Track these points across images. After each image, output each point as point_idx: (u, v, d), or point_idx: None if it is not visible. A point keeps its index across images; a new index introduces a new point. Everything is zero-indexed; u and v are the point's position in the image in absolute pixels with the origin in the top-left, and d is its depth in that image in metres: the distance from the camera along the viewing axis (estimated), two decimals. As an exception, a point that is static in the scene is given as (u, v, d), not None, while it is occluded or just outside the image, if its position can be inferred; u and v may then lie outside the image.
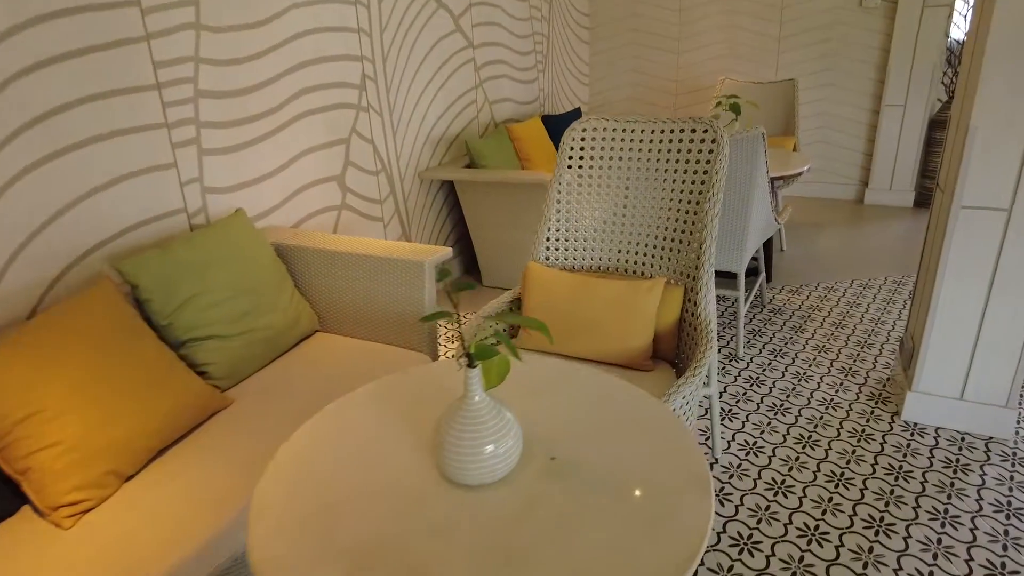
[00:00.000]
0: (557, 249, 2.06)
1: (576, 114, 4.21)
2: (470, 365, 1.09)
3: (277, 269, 2.08)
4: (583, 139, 2.03)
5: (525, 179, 3.00)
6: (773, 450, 2.14)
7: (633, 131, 1.98)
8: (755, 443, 2.18)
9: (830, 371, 2.57)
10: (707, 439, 2.22)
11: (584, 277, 1.89)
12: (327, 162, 2.66)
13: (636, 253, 1.98)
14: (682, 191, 1.90)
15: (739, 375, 2.58)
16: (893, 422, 2.24)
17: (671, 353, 1.88)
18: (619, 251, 2.01)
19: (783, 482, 2.00)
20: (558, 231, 2.05)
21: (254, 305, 1.96)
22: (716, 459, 2.12)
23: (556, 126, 4.05)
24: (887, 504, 1.89)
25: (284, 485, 1.16)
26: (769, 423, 2.28)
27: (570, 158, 2.05)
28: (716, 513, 1.90)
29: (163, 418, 1.61)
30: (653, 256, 1.95)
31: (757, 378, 2.55)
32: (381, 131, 2.93)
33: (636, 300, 1.81)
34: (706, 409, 2.37)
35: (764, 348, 2.77)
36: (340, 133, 2.70)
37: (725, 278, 3.46)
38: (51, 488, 1.42)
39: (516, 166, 3.55)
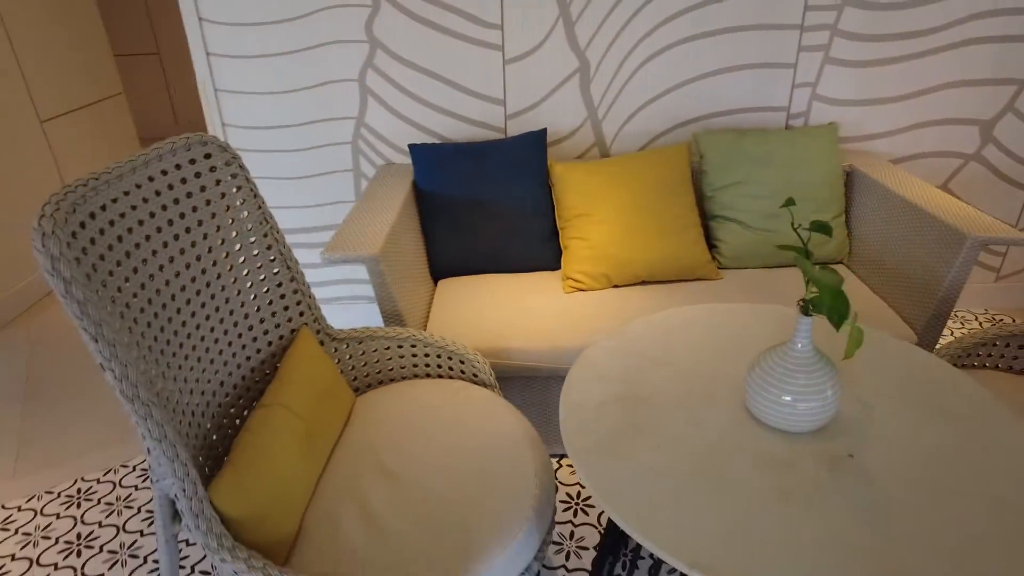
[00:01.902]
0: None
1: None
2: (803, 312, 1.06)
3: (832, 190, 2.08)
4: None
5: None
6: None
7: None
8: None
9: None
10: None
11: None
12: (975, 102, 2.29)
13: None
14: None
15: None
16: None
17: None
18: None
19: None
20: None
21: (786, 212, 2.06)
22: None
23: None
24: None
25: (620, 350, 1.42)
26: None
27: None
28: None
29: (660, 262, 2.00)
30: None
31: None
32: (1086, 81, 2.27)
33: None
34: None
35: None
36: (1014, 72, 2.25)
37: None
38: (571, 265, 2.03)
39: None
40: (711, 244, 2.15)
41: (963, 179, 2.43)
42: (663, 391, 1.24)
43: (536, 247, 2.11)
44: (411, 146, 2.10)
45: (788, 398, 1.09)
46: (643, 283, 2.03)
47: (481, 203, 2.07)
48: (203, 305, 1.28)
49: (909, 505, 0.97)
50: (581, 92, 2.24)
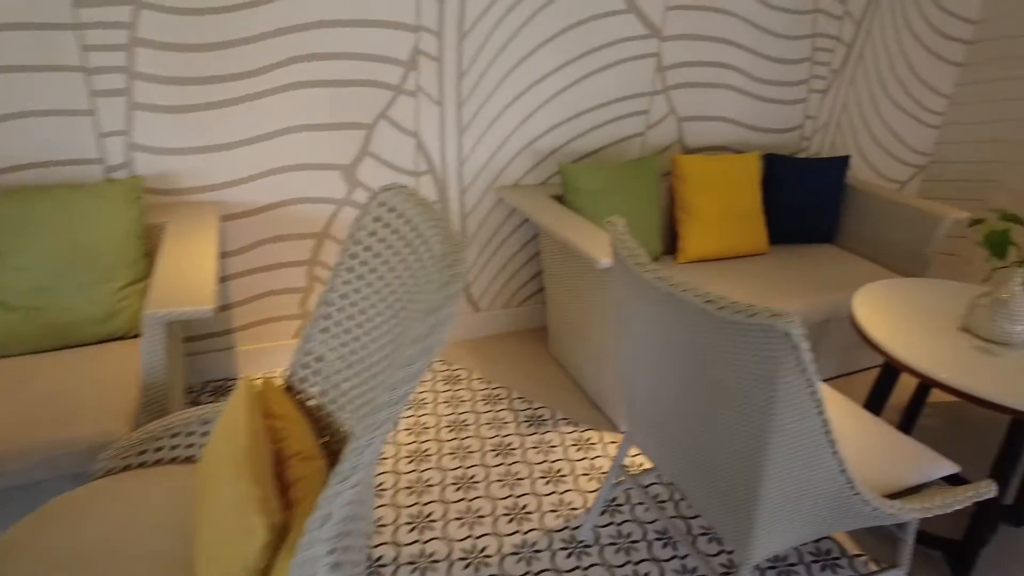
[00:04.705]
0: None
1: (838, 164, 2.74)
2: None
3: (125, 253, 1.83)
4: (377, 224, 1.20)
5: (578, 242, 2.05)
6: None
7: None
8: None
9: None
10: None
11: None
12: (331, 146, 2.23)
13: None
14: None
15: None
16: None
17: None
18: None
19: None
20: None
21: (61, 282, 1.76)
22: None
23: (794, 174, 2.71)
24: None
25: None
26: None
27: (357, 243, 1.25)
28: None
29: None
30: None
31: None
32: (436, 124, 2.32)
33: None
34: None
35: None
36: (358, 116, 2.22)
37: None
38: None
39: (654, 219, 2.49)
40: (-32, 329, 1.77)
41: (343, 223, 2.36)
42: None
43: None
44: None
45: None
46: None
47: None
48: None
49: None
50: None
